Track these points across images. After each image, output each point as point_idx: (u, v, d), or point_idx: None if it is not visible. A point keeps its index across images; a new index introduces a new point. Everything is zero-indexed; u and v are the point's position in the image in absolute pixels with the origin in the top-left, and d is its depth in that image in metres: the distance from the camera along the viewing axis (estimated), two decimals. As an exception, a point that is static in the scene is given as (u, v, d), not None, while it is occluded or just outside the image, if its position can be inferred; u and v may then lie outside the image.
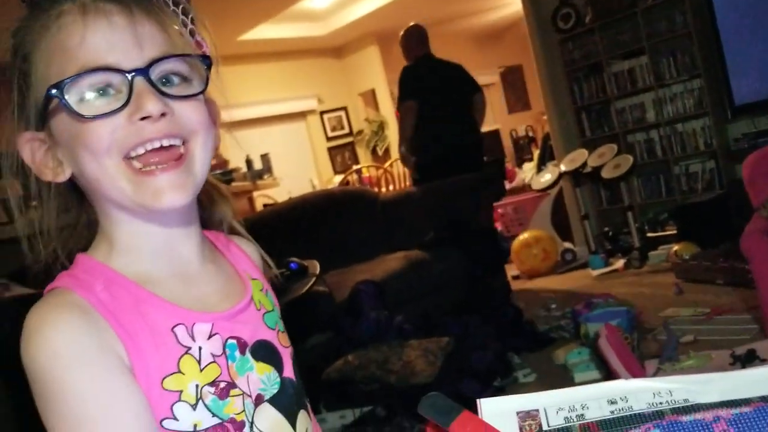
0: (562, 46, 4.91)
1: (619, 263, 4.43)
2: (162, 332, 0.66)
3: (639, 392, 0.53)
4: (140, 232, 0.70)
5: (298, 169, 7.32)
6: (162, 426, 0.64)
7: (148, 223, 0.70)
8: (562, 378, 2.57)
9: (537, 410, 0.54)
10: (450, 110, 4.07)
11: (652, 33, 4.41)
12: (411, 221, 3.69)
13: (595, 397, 0.53)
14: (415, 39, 4.22)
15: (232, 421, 0.67)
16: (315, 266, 1.87)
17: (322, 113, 7.83)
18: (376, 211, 3.87)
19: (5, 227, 3.90)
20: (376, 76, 7.62)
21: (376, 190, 5.74)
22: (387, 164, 6.72)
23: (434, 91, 4.04)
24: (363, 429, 2.45)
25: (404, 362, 2.52)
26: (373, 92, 7.78)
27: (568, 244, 5.07)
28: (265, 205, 4.66)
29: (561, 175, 4.84)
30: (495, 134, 8.27)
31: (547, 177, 5.00)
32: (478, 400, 0.55)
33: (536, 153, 7.15)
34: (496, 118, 8.73)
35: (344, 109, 7.97)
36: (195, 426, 0.65)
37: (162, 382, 0.64)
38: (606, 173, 4.45)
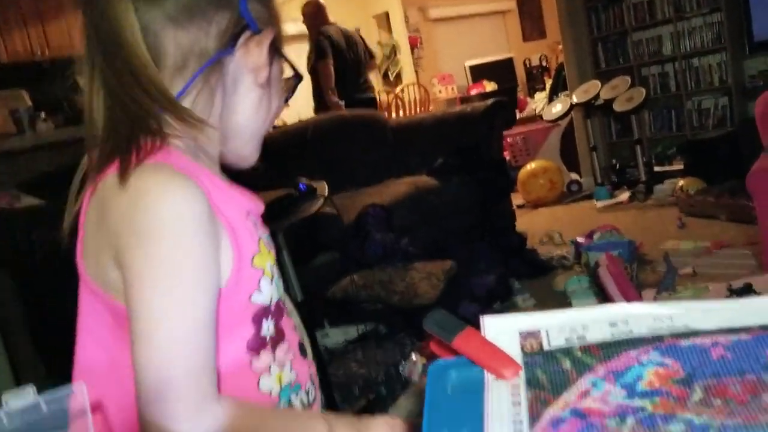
0: (583, -28, 4.76)
1: (624, 196, 4.43)
2: (244, 217, 0.74)
3: (640, 316, 0.54)
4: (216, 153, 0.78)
5: (308, 92, 7.24)
6: (250, 300, 0.73)
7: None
8: (560, 304, 2.62)
9: (539, 330, 0.55)
10: (356, 69, 4.85)
11: (675, -38, 4.27)
12: (421, 147, 3.68)
13: (596, 320, 0.55)
14: (321, 12, 4.94)
15: (280, 298, 0.79)
16: (323, 188, 1.87)
17: (333, 33, 7.65)
18: (387, 136, 3.85)
19: (13, 138, 3.91)
20: (390, -2, 7.42)
21: (386, 114, 5.68)
22: (398, 89, 6.62)
23: (345, 52, 4.77)
24: (365, 344, 2.52)
25: (408, 284, 2.57)
26: (386, 15, 7.58)
27: (574, 176, 5.06)
28: (274, 127, 4.63)
29: (572, 107, 4.77)
30: (508, 62, 8.10)
31: (558, 108, 4.94)
32: (481, 316, 0.57)
33: (549, 83, 7.03)
34: (511, 45, 8.54)
35: (357, 30, 7.79)
36: (270, 299, 0.75)
37: (252, 261, 0.72)
38: (618, 106, 4.39)
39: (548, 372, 0.51)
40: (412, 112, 6.18)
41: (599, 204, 4.45)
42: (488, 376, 0.52)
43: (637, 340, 0.52)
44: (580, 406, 0.47)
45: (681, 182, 3.96)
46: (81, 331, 0.74)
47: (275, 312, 0.77)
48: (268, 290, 0.75)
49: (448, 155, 3.49)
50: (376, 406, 2.09)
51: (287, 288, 1.92)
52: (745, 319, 0.51)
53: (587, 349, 0.52)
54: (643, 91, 4.34)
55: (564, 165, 5.07)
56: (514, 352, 0.54)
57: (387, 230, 2.86)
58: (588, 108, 4.70)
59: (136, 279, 0.63)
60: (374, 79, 7.76)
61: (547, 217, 4.48)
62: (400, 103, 6.34)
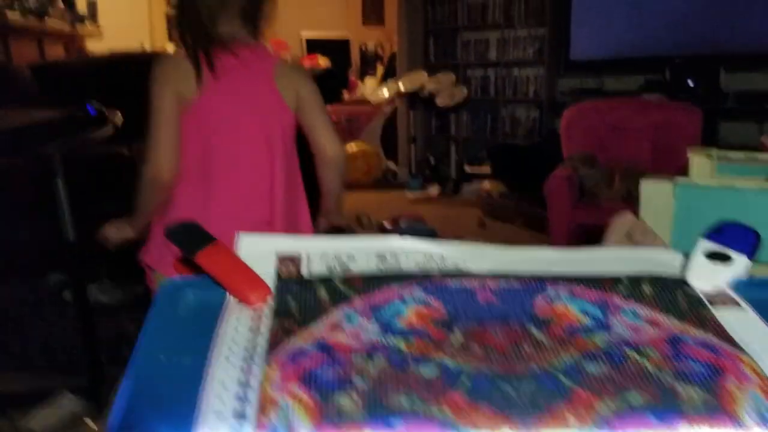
0: (428, -38, 4.85)
1: (435, 190, 4.59)
2: None
3: (411, 252, 0.49)
4: None
5: (129, 28, 6.67)
6: None
7: None
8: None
9: (300, 254, 0.48)
10: None
11: (513, -30, 4.47)
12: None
13: (364, 250, 0.48)
14: None
15: None
16: (118, 117, 1.67)
17: (168, -26, 7.13)
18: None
19: None
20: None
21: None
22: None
23: None
24: (143, 302, 2.34)
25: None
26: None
27: (391, 164, 5.15)
28: (79, 52, 4.16)
29: (398, 94, 4.85)
30: (345, 43, 8.07)
31: (384, 92, 4.99)
32: (237, 232, 0.48)
33: (381, 71, 7.11)
34: (350, 27, 8.53)
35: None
36: None
37: None
38: (440, 101, 4.52)
39: (301, 300, 0.44)
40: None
41: (410, 194, 4.57)
42: (230, 299, 0.44)
43: (403, 275, 0.46)
44: (327, 340, 0.40)
45: (487, 184, 4.16)
46: None
47: None
48: None
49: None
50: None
51: (57, 224, 1.70)
52: (518, 267, 0.47)
53: (348, 279, 0.45)
54: (465, 90, 4.51)
55: (383, 151, 5.15)
56: (268, 275, 0.46)
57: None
58: (413, 99, 4.80)
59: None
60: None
61: (360, 200, 4.51)
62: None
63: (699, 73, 3.82)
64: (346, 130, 5.62)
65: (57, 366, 2.03)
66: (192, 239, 0.47)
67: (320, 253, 0.48)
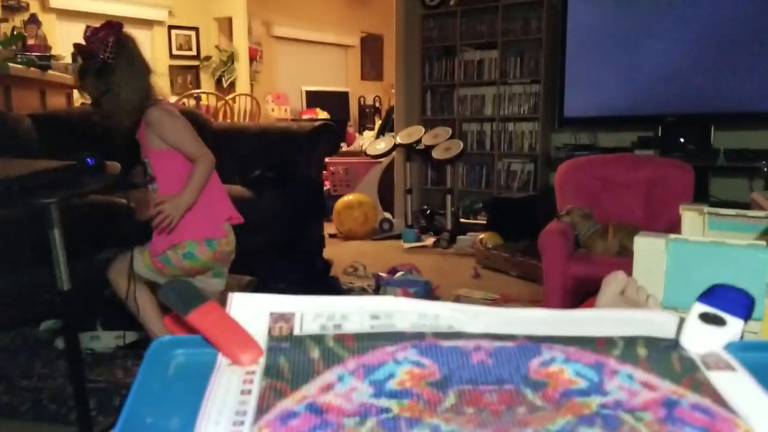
0: (424, 22, 4.96)
1: (430, 240, 4.60)
2: None
3: (405, 312, 0.48)
4: None
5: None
6: None
7: None
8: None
9: (293, 313, 0.48)
10: None
11: (507, 30, 4.58)
12: (241, 156, 3.53)
13: (357, 310, 0.48)
14: None
15: None
16: (115, 167, 1.69)
17: (170, 27, 7.27)
18: (208, 138, 3.65)
19: None
20: (236, 3, 7.23)
21: (212, 118, 5.44)
22: (230, 97, 6.41)
23: None
24: (136, 351, 2.32)
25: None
26: (230, 20, 7.37)
27: (387, 214, 5.17)
28: (83, 104, 4.22)
29: (395, 146, 4.90)
30: (344, 96, 8.22)
31: (382, 145, 5.05)
32: (230, 293, 0.48)
33: (378, 123, 7.21)
34: (349, 81, 8.68)
35: (196, 30, 7.48)
36: None
37: None
38: (436, 153, 4.57)
39: (292, 360, 0.43)
40: (240, 122, 6.00)
41: (406, 245, 4.58)
42: (221, 360, 0.44)
43: (397, 334, 0.45)
44: (318, 401, 0.39)
45: (482, 236, 4.17)
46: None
47: None
48: None
49: (266, 168, 3.38)
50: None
51: (52, 273, 1.69)
52: (512, 328, 0.47)
53: (341, 338, 0.45)
54: (461, 144, 4.56)
55: (380, 202, 5.17)
56: (260, 335, 0.46)
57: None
58: (409, 151, 4.85)
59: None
60: (207, 81, 7.51)
61: (355, 250, 4.51)
62: (229, 110, 6.13)
63: (690, 131, 3.89)
64: (344, 181, 5.66)
65: (47, 416, 1.99)
66: (184, 298, 0.46)
67: (314, 312, 0.48)
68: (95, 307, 2.58)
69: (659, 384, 0.41)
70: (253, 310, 0.47)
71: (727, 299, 0.47)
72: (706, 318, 0.46)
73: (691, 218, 1.45)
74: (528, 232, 3.74)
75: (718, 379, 0.42)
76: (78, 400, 1.81)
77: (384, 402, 0.39)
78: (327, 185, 5.56)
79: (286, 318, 0.47)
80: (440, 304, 0.49)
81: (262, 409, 0.38)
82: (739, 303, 0.47)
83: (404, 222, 5.02)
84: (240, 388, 0.41)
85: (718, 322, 0.46)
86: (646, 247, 1.17)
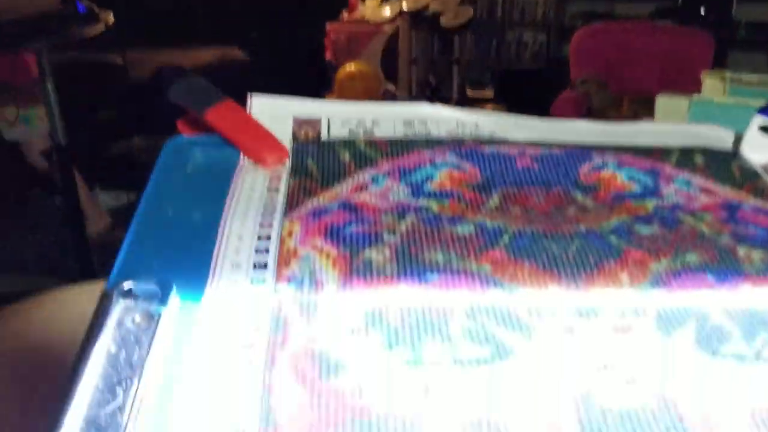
0: None
1: (435, 114, 4.51)
2: None
3: (441, 119, 0.45)
4: None
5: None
6: None
7: None
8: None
9: (319, 118, 0.44)
10: None
11: None
12: (237, 17, 3.39)
13: (390, 116, 0.44)
14: None
15: None
16: (108, 15, 1.60)
17: None
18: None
19: None
20: None
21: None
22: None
23: None
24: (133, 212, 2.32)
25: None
26: None
27: (391, 86, 5.04)
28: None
29: (401, 13, 4.70)
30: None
31: (387, 11, 4.84)
32: (249, 93, 0.44)
33: (382, -10, 6.88)
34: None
35: None
36: None
37: None
38: (444, 21, 4.39)
39: (321, 162, 0.40)
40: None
41: (409, 117, 4.49)
42: (244, 159, 0.40)
43: (433, 140, 0.42)
44: (352, 200, 0.36)
45: (489, 109, 4.09)
46: None
47: None
48: None
49: (263, 31, 3.26)
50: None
51: (50, 127, 1.65)
52: (561, 136, 0.44)
53: (373, 142, 0.42)
54: (471, 10, 4.37)
55: (383, 72, 5.03)
56: (284, 138, 0.42)
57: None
58: (416, 19, 4.66)
59: None
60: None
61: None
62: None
63: (711, 1, 3.71)
64: (345, 50, 5.47)
65: (48, 269, 2.01)
66: (200, 96, 0.43)
67: (342, 117, 0.44)
68: (94, 167, 2.56)
69: (719, 190, 0.38)
70: (275, 114, 0.44)
71: (790, 111, 0.44)
72: (766, 130, 0.43)
73: (711, 85, 1.40)
74: (537, 105, 3.65)
75: (781, 186, 0.39)
76: (78, 253, 1.83)
77: (423, 202, 0.36)
78: (328, 55, 5.38)
79: (311, 123, 0.44)
80: (481, 113, 0.46)
81: (291, 205, 0.36)
82: (804, 115, 0.43)
83: (408, 94, 4.91)
84: (266, 185, 0.38)
85: (781, 133, 0.42)
86: (668, 107, 1.13)
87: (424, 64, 5.04)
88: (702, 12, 3.69)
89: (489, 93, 4.47)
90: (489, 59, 4.70)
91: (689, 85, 1.44)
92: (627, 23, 3.21)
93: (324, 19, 3.82)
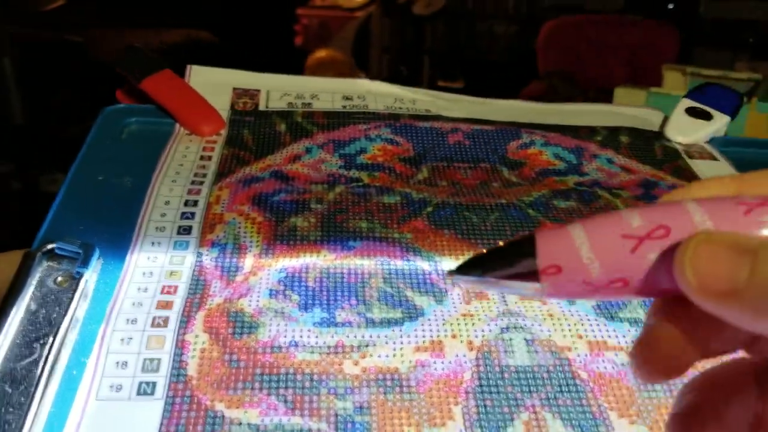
0: None
1: (405, 102, 4.52)
2: None
3: (380, 95, 0.45)
4: None
5: None
6: None
7: None
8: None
9: (258, 90, 0.44)
10: None
11: None
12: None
13: (329, 89, 0.45)
14: None
15: None
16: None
17: None
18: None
19: None
20: None
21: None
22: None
23: None
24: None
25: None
26: None
27: (362, 74, 5.03)
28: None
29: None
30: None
31: (360, -2, 4.83)
32: (189, 66, 0.44)
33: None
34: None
35: None
36: None
37: None
38: (417, 8, 4.39)
39: (257, 133, 0.40)
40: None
41: (380, 104, 4.50)
42: (179, 129, 0.41)
43: (370, 114, 0.43)
44: (284, 169, 0.37)
45: (458, 97, 4.11)
46: None
47: None
48: None
49: (233, 14, 3.21)
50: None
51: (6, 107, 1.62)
52: (494, 115, 0.45)
53: (310, 114, 0.42)
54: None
55: (354, 59, 5.02)
56: (222, 109, 0.42)
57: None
58: (388, 6, 4.65)
59: None
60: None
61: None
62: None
63: (680, -4, 3.76)
64: (317, 36, 5.45)
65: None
66: (139, 64, 0.43)
67: (282, 90, 0.44)
68: (52, 148, 2.51)
69: (639, 168, 0.39)
70: (214, 84, 0.44)
71: (715, 96, 0.45)
72: (692, 112, 0.44)
73: (672, 78, 1.43)
74: (508, 97, 3.67)
75: (699, 166, 0.40)
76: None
77: (354, 173, 0.37)
78: (299, 40, 5.35)
79: (250, 94, 0.44)
80: (419, 90, 0.46)
81: (223, 173, 0.36)
82: (728, 100, 0.45)
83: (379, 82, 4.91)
84: (199, 154, 0.38)
85: (704, 116, 0.44)
86: (626, 99, 1.15)
87: (396, 53, 5.05)
88: (670, 6, 3.74)
89: (459, 84, 4.49)
90: (460, 50, 4.72)
91: (656, 80, 1.46)
92: (596, 16, 3.24)
93: (295, 2, 3.79)
